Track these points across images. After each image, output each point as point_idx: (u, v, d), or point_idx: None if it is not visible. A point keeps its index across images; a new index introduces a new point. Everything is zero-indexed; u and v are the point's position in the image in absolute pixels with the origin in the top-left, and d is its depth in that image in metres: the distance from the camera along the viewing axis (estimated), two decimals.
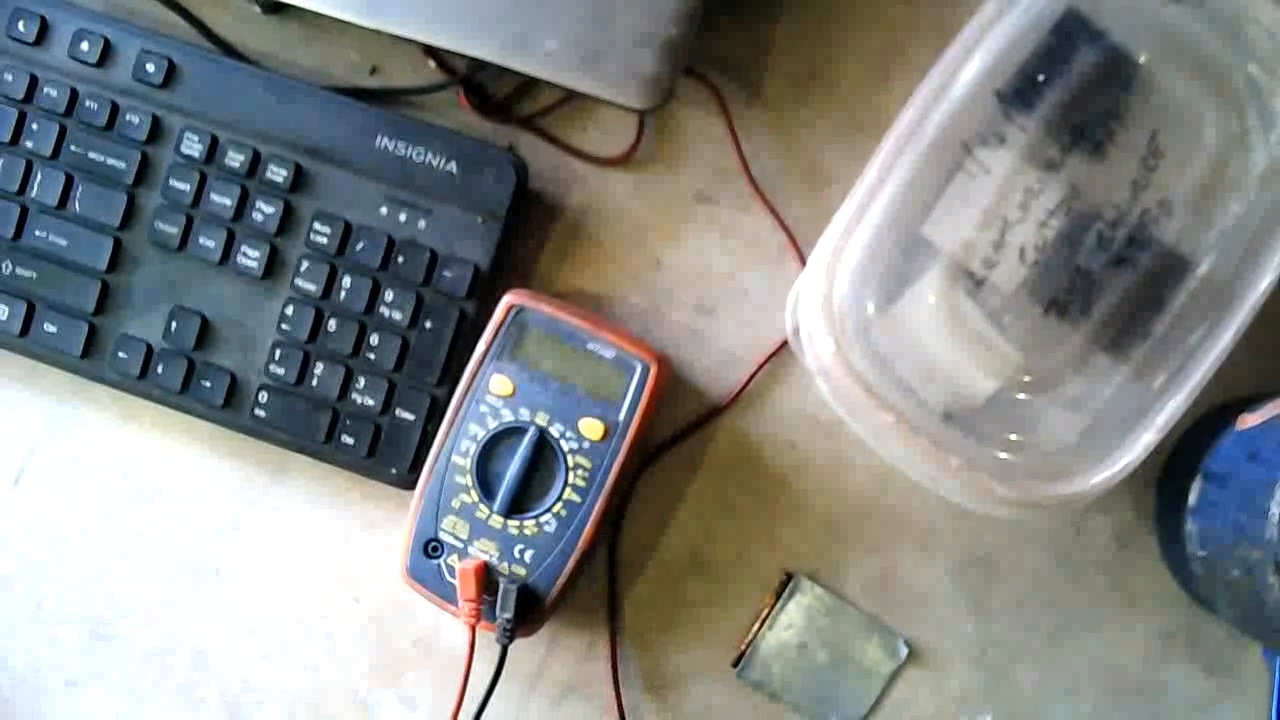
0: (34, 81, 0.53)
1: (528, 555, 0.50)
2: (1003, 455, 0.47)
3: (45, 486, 0.55)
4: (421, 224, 0.53)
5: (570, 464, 0.50)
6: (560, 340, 0.50)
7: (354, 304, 0.53)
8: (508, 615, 0.49)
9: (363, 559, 0.55)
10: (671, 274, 0.56)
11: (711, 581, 0.54)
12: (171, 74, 0.53)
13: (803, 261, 0.55)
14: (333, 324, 0.53)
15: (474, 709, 0.50)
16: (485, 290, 0.53)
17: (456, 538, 0.50)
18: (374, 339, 0.52)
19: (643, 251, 0.56)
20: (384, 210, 0.53)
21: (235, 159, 0.53)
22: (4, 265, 0.53)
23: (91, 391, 0.54)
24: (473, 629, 0.49)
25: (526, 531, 0.50)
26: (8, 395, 0.55)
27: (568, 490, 0.50)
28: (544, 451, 0.50)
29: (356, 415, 0.52)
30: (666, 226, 0.56)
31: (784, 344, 0.55)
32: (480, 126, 0.56)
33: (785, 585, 0.54)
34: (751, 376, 0.55)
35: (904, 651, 0.54)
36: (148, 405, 0.54)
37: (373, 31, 0.51)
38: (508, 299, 0.51)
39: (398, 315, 0.52)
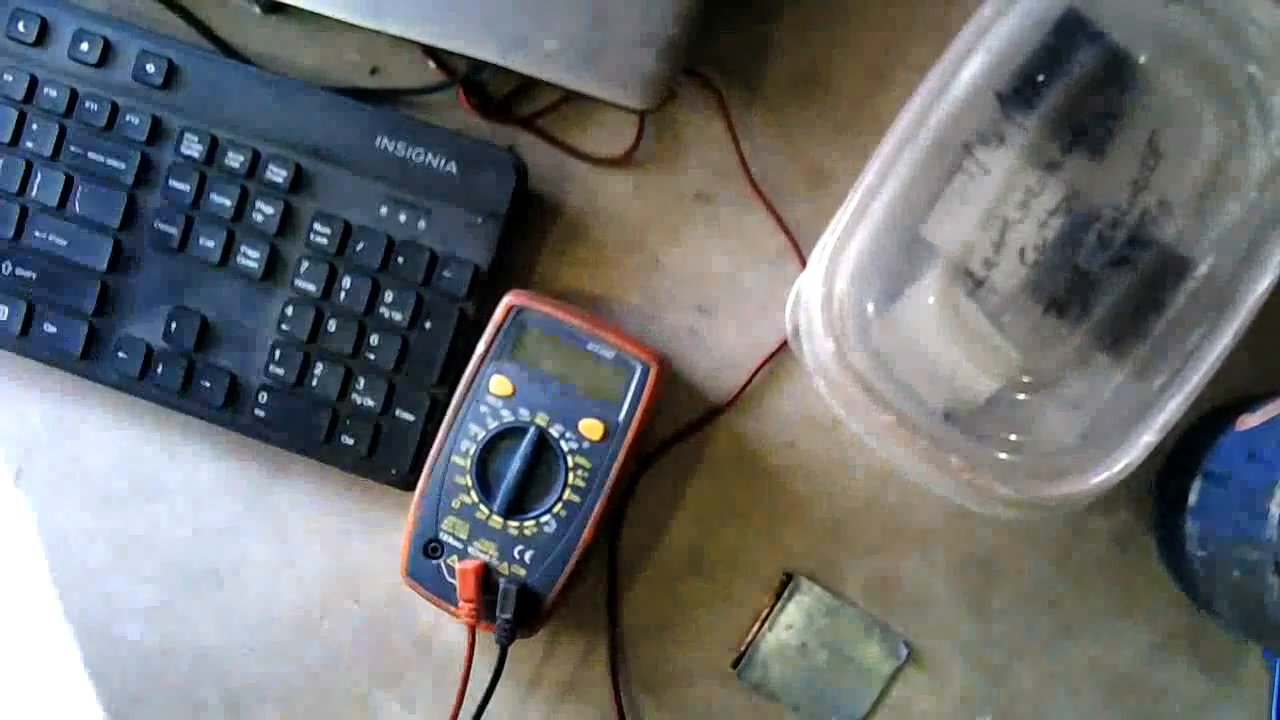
0: (34, 82, 0.53)
1: (527, 555, 0.50)
2: (1003, 455, 0.47)
3: (45, 486, 0.55)
4: (421, 224, 0.53)
5: (570, 464, 0.50)
6: (560, 340, 0.50)
7: (354, 304, 0.53)
8: (507, 615, 0.49)
9: (363, 559, 0.55)
10: (671, 274, 0.56)
11: (711, 581, 0.54)
12: (171, 74, 0.53)
13: (803, 261, 0.55)
14: (333, 324, 0.53)
15: (474, 709, 0.50)
16: (485, 290, 0.53)
17: (456, 538, 0.50)
18: (374, 339, 0.52)
19: (643, 251, 0.56)
20: (384, 210, 0.53)
21: (235, 159, 0.53)
22: (4, 265, 0.53)
23: (91, 391, 0.54)
24: (472, 629, 0.49)
25: (526, 532, 0.50)
26: (8, 395, 0.55)
27: (567, 490, 0.50)
28: (544, 452, 0.50)
29: (356, 415, 0.52)
30: (666, 226, 0.56)
31: (784, 344, 0.55)
32: (480, 126, 0.56)
33: (785, 585, 0.54)
34: (751, 377, 0.55)
35: (904, 651, 0.54)
36: (148, 405, 0.54)
37: (373, 31, 0.51)
38: (508, 299, 0.51)
39: (397, 315, 0.52)
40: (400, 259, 0.53)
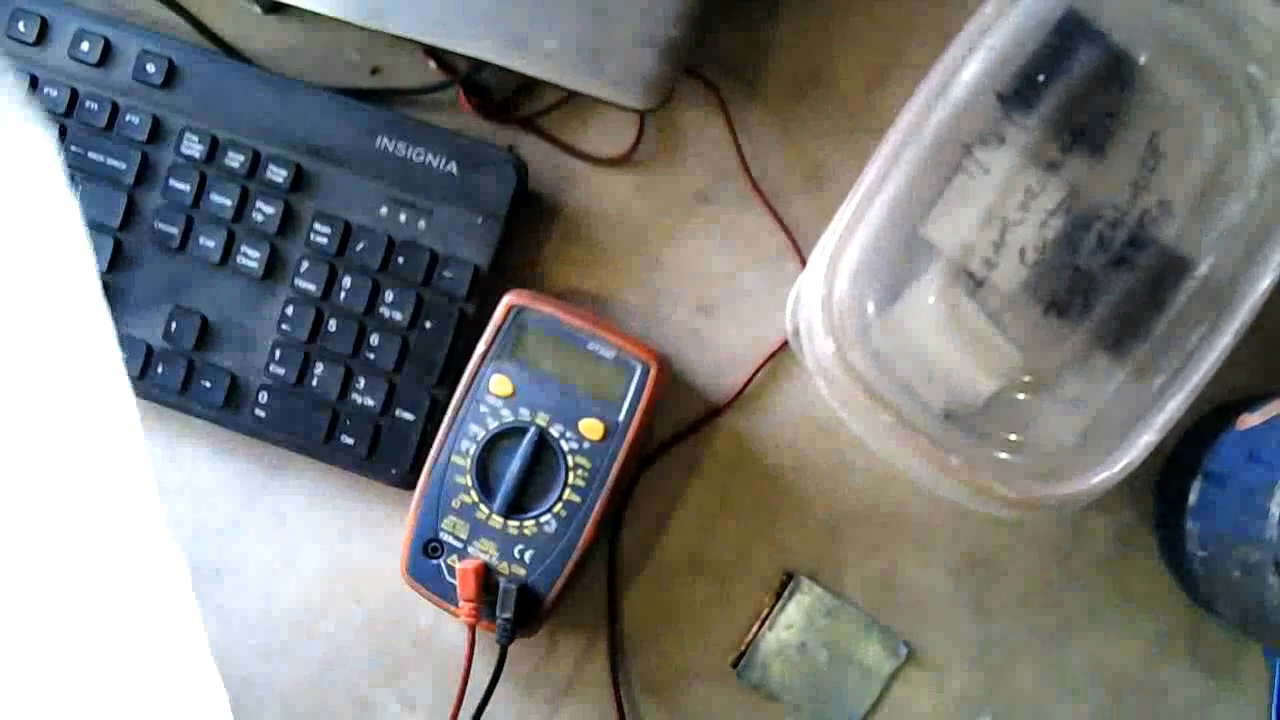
0: (34, 81, 0.53)
1: (527, 555, 0.50)
2: (1003, 455, 0.47)
3: None
4: (421, 224, 0.53)
5: (570, 464, 0.50)
6: (560, 340, 0.50)
7: (354, 304, 0.53)
8: (507, 615, 0.49)
9: (363, 559, 0.55)
10: (671, 274, 0.56)
11: (711, 581, 0.54)
12: (171, 74, 0.53)
13: (803, 261, 0.55)
14: (333, 324, 0.53)
15: (474, 709, 0.50)
16: (485, 290, 0.53)
17: (456, 538, 0.50)
18: (374, 339, 0.53)
19: (643, 251, 0.56)
20: (384, 210, 0.53)
21: (235, 159, 0.53)
22: None
23: None
24: (472, 629, 0.49)
25: (526, 531, 0.50)
26: None
27: (567, 490, 0.50)
28: (544, 451, 0.50)
29: (356, 415, 0.52)
30: (666, 226, 0.56)
31: (784, 344, 0.55)
32: (480, 126, 0.56)
33: (785, 585, 0.54)
34: (751, 377, 0.55)
35: (904, 651, 0.54)
36: (148, 405, 0.54)
37: (373, 31, 0.51)
38: (508, 299, 0.51)
39: (398, 315, 0.52)
40: (400, 259, 0.53)
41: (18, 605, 0.46)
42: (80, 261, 0.44)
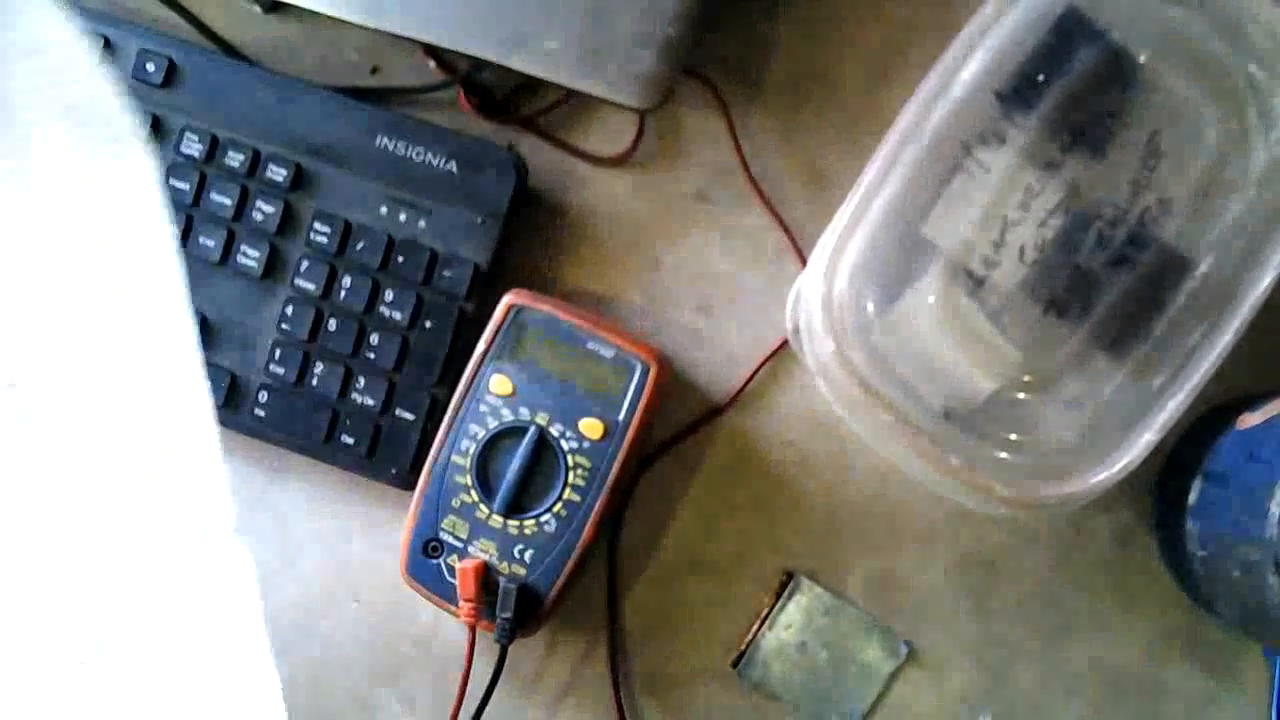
0: None
1: (527, 555, 0.50)
2: (1003, 455, 0.47)
3: None
4: (421, 224, 0.53)
5: (570, 464, 0.50)
6: (560, 340, 0.50)
7: (354, 304, 0.53)
8: (507, 615, 0.49)
9: (363, 559, 0.55)
10: (671, 274, 0.56)
11: (711, 581, 0.54)
12: (171, 74, 0.53)
13: (803, 261, 0.55)
14: (333, 324, 0.53)
15: (474, 709, 0.50)
16: (485, 290, 0.53)
17: (456, 538, 0.50)
18: (374, 339, 0.52)
19: (643, 251, 0.56)
20: (384, 210, 0.53)
21: (235, 159, 0.53)
22: None
23: None
24: (472, 629, 0.49)
25: (526, 531, 0.50)
26: None
27: (567, 490, 0.50)
28: (544, 451, 0.50)
29: (356, 415, 0.52)
30: (666, 226, 0.56)
31: (784, 344, 0.55)
32: (480, 126, 0.56)
33: (785, 585, 0.54)
34: (751, 376, 0.55)
35: (904, 651, 0.54)
36: None
37: (373, 31, 0.51)
38: (508, 299, 0.51)
39: (397, 315, 0.52)
40: (400, 258, 0.53)
41: (81, 599, 0.47)
42: (169, 276, 0.45)
